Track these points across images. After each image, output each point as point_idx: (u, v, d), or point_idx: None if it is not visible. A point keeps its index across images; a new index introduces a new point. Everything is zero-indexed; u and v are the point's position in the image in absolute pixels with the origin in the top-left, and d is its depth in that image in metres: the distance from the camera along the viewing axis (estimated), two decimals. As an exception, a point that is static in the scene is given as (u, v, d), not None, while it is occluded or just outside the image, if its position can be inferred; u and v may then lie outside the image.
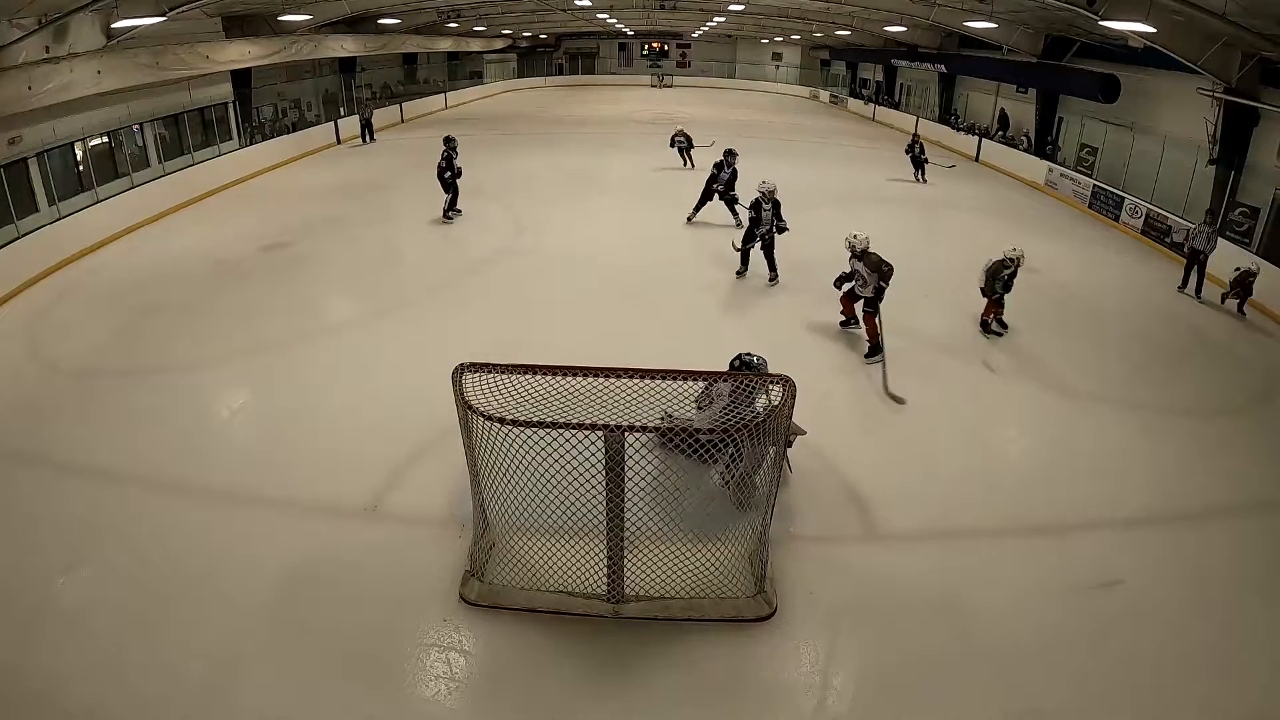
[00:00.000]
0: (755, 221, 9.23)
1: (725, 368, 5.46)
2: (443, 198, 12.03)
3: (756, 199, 9.13)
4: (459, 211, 12.21)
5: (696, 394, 4.78)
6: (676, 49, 42.25)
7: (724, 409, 4.58)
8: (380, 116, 21.72)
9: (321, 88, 22.29)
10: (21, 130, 11.07)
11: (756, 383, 4.38)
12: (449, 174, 11.81)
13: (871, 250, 7.52)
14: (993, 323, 8.30)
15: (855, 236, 7.58)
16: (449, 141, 12.03)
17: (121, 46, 12.05)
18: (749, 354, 5.52)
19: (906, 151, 16.60)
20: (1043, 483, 5.71)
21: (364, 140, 19.98)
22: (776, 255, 9.40)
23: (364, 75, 25.12)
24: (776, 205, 9.08)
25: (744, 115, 27.72)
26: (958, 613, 4.40)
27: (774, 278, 9.45)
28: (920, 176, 16.36)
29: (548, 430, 3.79)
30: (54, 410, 6.41)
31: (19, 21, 9.89)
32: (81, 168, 12.26)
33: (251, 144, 16.98)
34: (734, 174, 11.52)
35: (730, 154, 11.60)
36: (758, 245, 9.35)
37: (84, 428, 6.13)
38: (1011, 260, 7.91)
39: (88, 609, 4.30)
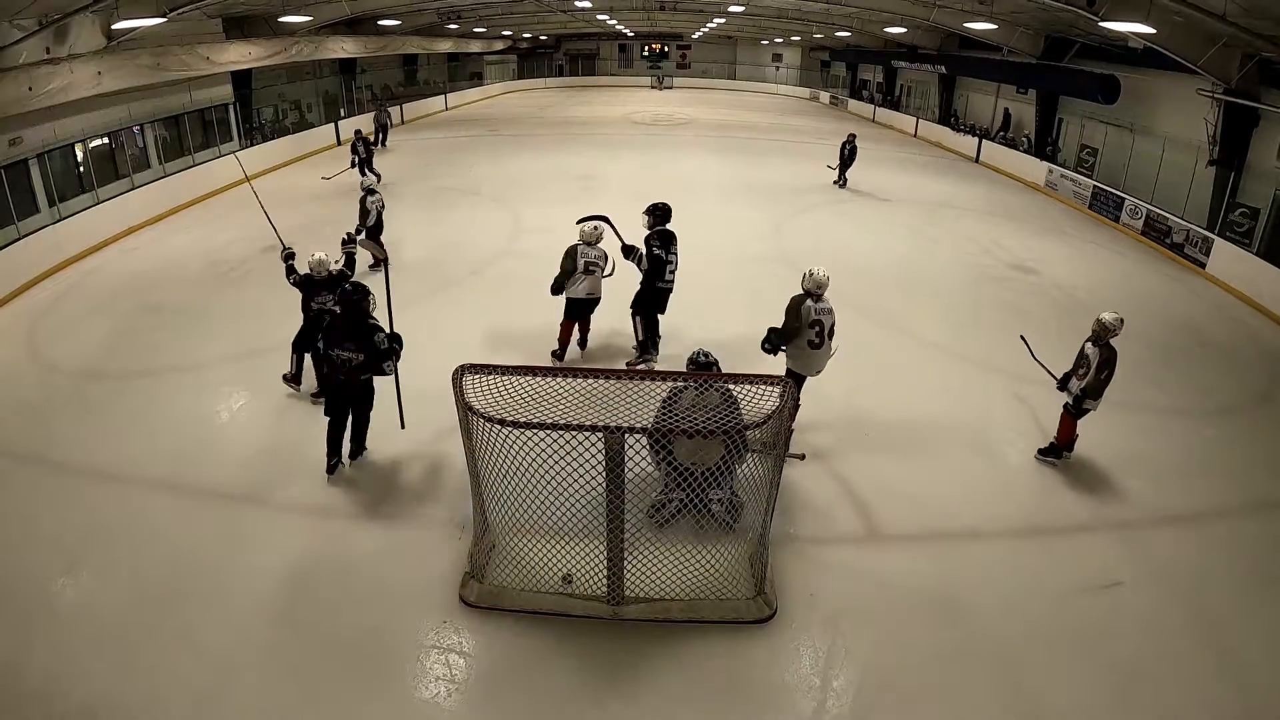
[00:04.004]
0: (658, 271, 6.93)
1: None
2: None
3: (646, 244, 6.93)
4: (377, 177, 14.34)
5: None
6: (676, 50, 42.24)
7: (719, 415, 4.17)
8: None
9: (322, 89, 22.28)
10: (22, 131, 11.07)
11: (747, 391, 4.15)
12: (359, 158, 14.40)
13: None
14: None
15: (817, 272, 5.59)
16: (358, 134, 14.74)
17: (122, 48, 12.05)
18: (705, 353, 4.94)
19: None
20: (1042, 483, 5.72)
21: (378, 144, 19.00)
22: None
23: (364, 77, 25.10)
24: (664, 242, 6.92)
25: (744, 117, 27.73)
26: (958, 614, 4.40)
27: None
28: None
29: (548, 432, 3.78)
30: (54, 410, 6.41)
31: (19, 22, 9.89)
32: (82, 169, 12.26)
33: (252, 145, 16.98)
34: None
35: None
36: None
37: (84, 428, 6.13)
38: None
39: (87, 609, 4.30)
